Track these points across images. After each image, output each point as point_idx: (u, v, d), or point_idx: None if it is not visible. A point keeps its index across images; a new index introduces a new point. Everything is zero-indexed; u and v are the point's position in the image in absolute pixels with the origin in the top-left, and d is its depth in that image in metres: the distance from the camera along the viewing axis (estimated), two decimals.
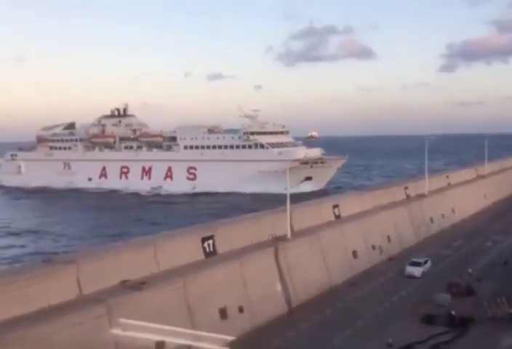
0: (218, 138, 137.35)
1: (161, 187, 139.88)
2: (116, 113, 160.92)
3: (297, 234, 38.02)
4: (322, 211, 44.65)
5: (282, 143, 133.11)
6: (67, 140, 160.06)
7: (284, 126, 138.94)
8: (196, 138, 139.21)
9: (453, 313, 31.45)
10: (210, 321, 28.44)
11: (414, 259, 43.12)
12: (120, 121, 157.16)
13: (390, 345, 27.53)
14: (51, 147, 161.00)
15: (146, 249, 28.29)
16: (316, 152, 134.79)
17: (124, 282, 25.92)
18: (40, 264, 25.91)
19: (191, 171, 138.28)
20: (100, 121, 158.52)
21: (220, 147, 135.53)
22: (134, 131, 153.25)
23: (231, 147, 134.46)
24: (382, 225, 48.89)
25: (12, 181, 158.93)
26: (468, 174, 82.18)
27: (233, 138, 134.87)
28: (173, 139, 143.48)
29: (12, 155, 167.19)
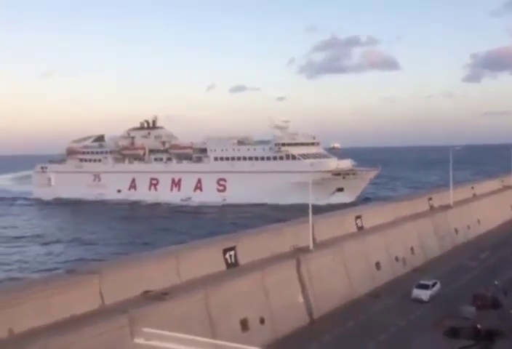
0: (249, 149, 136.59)
1: (190, 198, 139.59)
2: (146, 125, 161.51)
3: (319, 245, 37.86)
4: (345, 223, 44.42)
5: (313, 154, 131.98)
6: (97, 152, 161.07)
7: (314, 137, 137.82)
8: (227, 150, 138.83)
9: (479, 326, 30.92)
10: (231, 332, 28.39)
11: (421, 281, 39.71)
12: (149, 133, 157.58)
13: None
14: (81, 160, 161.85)
15: (168, 259, 28.47)
16: (346, 163, 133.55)
17: (146, 293, 26.09)
18: (64, 274, 26.29)
19: (221, 182, 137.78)
20: (129, 134, 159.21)
21: (250, 158, 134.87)
22: (164, 143, 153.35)
23: (262, 158, 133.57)
24: (405, 236, 48.41)
25: (42, 193, 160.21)
26: (493, 184, 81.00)
27: (263, 149, 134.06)
28: (203, 150, 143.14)
29: (42, 168, 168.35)
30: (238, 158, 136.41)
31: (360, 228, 45.28)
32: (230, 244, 32.07)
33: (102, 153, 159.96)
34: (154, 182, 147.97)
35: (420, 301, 37.34)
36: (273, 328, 30.84)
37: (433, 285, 39.17)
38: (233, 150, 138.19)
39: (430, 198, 59.76)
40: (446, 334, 30.83)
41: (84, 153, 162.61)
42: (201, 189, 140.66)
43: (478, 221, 64.83)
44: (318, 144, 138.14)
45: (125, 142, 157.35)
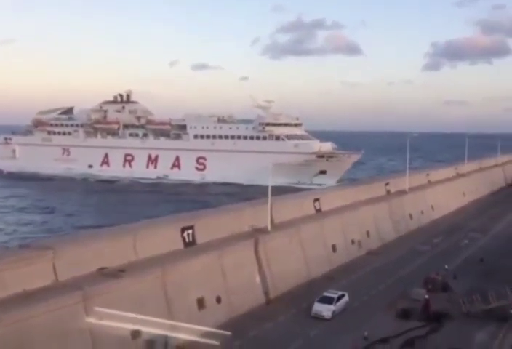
0: (231, 128, 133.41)
1: (167, 176, 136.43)
2: (119, 98, 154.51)
3: (277, 226, 38.04)
4: (303, 205, 44.71)
5: (297, 135, 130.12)
6: (67, 125, 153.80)
7: (297, 118, 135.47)
8: (208, 127, 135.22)
9: (426, 296, 32.24)
10: (187, 310, 28.37)
11: (325, 294, 32.79)
12: (123, 107, 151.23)
13: (366, 339, 27.73)
14: (49, 132, 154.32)
15: (125, 236, 28.05)
16: (327, 146, 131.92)
17: (101, 269, 25.67)
18: (17, 249, 25.58)
19: (201, 161, 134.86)
20: (101, 107, 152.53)
21: (232, 137, 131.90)
22: (139, 118, 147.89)
23: (245, 137, 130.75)
24: (362, 219, 49.17)
25: (5, 166, 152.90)
26: (448, 172, 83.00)
27: (246, 128, 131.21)
28: (182, 127, 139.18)
29: (6, 139, 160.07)
30: (220, 137, 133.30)
31: (318, 211, 45.69)
32: (189, 223, 31.84)
33: (72, 125, 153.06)
34: (129, 158, 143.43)
35: (321, 318, 31.08)
36: (229, 307, 30.94)
37: (339, 298, 32.56)
38: (214, 128, 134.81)
39: (387, 184, 60.77)
40: (397, 316, 31.63)
41: (52, 125, 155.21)
42: (179, 167, 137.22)
43: (432, 207, 66.44)
44: (301, 125, 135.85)
45: (97, 116, 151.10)
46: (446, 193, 72.57)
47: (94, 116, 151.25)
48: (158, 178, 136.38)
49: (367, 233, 49.33)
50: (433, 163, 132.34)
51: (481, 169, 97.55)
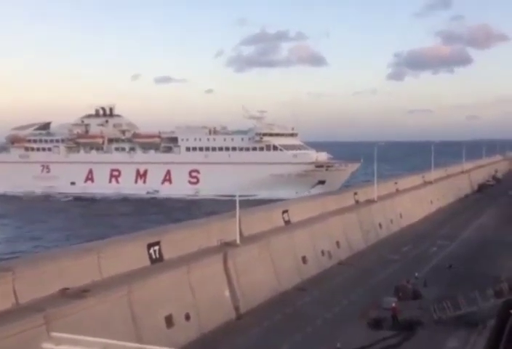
0: (225, 139, 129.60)
1: (157, 191, 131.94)
2: (102, 112, 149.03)
3: (246, 240, 37.62)
4: (272, 217, 44.42)
5: (295, 146, 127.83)
6: (46, 141, 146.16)
7: (293, 128, 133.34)
8: (200, 139, 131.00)
9: (393, 304, 32.43)
10: (156, 329, 27.64)
11: None
12: (107, 121, 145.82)
13: None
14: (26, 149, 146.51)
15: (88, 255, 27.24)
16: (323, 156, 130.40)
17: (64, 290, 24.82)
18: None
19: (193, 174, 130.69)
20: (83, 121, 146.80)
21: (227, 149, 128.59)
22: (124, 132, 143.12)
23: (240, 149, 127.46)
24: (331, 230, 49.13)
25: None
26: (415, 180, 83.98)
27: (242, 139, 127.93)
28: (173, 140, 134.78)
29: None
30: (213, 149, 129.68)
31: (287, 222, 45.46)
32: (155, 239, 31.19)
33: (52, 141, 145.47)
34: (115, 173, 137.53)
35: None
36: (199, 323, 30.31)
37: None
38: (208, 139, 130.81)
39: (356, 193, 61.03)
40: (369, 325, 31.46)
41: (30, 141, 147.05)
42: (170, 181, 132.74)
43: (401, 215, 66.96)
44: (296, 135, 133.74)
45: (79, 130, 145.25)
46: (414, 201, 73.35)
47: (76, 131, 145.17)
48: (148, 193, 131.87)
49: (337, 244, 49.27)
50: (401, 172, 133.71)
51: (448, 176, 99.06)
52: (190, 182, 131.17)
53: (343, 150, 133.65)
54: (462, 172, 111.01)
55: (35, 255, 29.66)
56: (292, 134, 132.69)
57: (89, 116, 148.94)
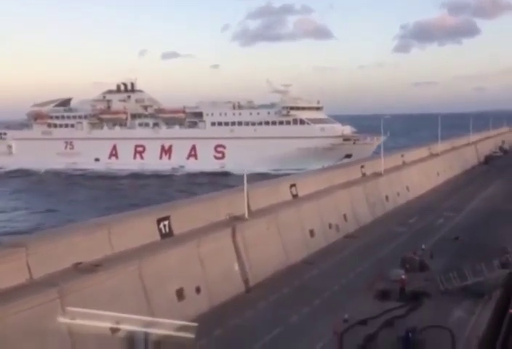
0: (251, 114, 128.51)
1: (183, 167, 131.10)
2: (123, 88, 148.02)
3: (254, 214, 37.91)
4: (279, 191, 44.62)
5: (321, 119, 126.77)
6: (68, 117, 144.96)
7: (318, 102, 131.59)
8: (226, 114, 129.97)
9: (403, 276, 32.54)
10: (167, 302, 28.17)
11: None
12: (129, 97, 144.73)
13: (346, 321, 27.90)
14: (49, 125, 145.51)
15: (99, 230, 27.59)
16: (348, 129, 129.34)
17: (76, 265, 25.26)
18: None
19: (219, 149, 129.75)
20: (104, 97, 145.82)
21: (253, 123, 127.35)
22: (146, 107, 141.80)
23: (266, 123, 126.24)
24: (338, 203, 49.37)
25: (1, 163, 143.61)
26: (421, 152, 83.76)
27: (268, 114, 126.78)
28: (198, 115, 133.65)
29: None
30: (239, 123, 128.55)
31: (295, 196, 45.67)
32: (164, 214, 31.50)
33: (74, 117, 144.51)
34: (140, 149, 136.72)
35: None
36: (209, 297, 30.84)
37: None
38: (233, 114, 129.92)
39: (363, 166, 61.04)
40: (376, 297, 31.91)
41: (52, 117, 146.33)
42: (195, 156, 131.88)
43: (408, 188, 67.06)
44: (322, 108, 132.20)
45: (101, 106, 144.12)
46: (420, 174, 73.33)
47: (99, 106, 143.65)
48: (173, 169, 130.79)
49: (344, 217, 49.57)
50: (408, 144, 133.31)
51: (454, 149, 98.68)
52: (215, 157, 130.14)
53: (351, 124, 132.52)
54: (469, 144, 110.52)
55: (47, 231, 30.06)
56: (317, 108, 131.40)
57: (111, 92, 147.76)
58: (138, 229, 29.61)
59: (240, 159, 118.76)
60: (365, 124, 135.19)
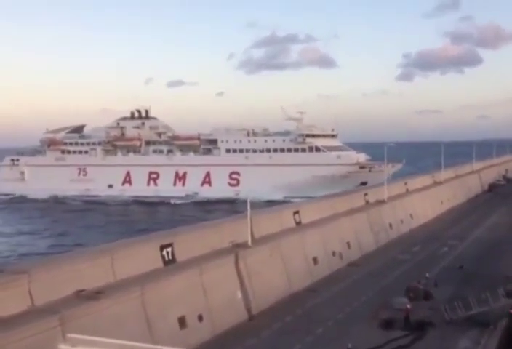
0: (266, 141, 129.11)
1: (197, 193, 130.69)
2: (137, 114, 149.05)
3: (257, 241, 37.81)
4: (283, 218, 44.58)
5: (336, 147, 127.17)
6: (82, 143, 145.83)
7: (333, 129, 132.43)
8: (241, 141, 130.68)
9: (408, 306, 32.22)
10: (169, 330, 27.92)
11: None
12: (143, 124, 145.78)
13: None
14: (63, 151, 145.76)
15: (102, 257, 27.56)
16: (362, 157, 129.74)
17: (78, 292, 25.17)
18: None
19: (234, 176, 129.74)
20: (118, 124, 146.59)
21: (268, 150, 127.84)
22: (160, 134, 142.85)
23: (282, 150, 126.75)
24: (342, 231, 49.23)
25: (13, 189, 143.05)
26: (425, 180, 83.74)
27: (284, 141, 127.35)
28: (212, 142, 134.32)
29: (12, 160, 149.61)
30: (254, 151, 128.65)
31: (298, 223, 45.61)
32: (168, 241, 31.47)
33: (88, 144, 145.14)
34: (154, 176, 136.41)
35: None
36: (211, 325, 30.57)
37: None
38: (248, 141, 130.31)
39: (366, 194, 61.05)
40: (380, 326, 31.56)
41: (66, 144, 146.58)
42: (209, 183, 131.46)
43: (411, 215, 66.88)
44: (336, 136, 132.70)
45: (115, 133, 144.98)
46: (424, 202, 73.19)
47: (113, 133, 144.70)
48: (187, 196, 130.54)
49: (348, 245, 49.36)
50: (411, 171, 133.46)
51: (458, 176, 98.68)
52: (230, 184, 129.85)
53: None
54: (472, 172, 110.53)
55: (50, 257, 30.02)
56: (332, 135, 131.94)
57: (125, 119, 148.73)
58: (141, 256, 29.56)
59: (255, 186, 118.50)
60: (369, 152, 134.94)
